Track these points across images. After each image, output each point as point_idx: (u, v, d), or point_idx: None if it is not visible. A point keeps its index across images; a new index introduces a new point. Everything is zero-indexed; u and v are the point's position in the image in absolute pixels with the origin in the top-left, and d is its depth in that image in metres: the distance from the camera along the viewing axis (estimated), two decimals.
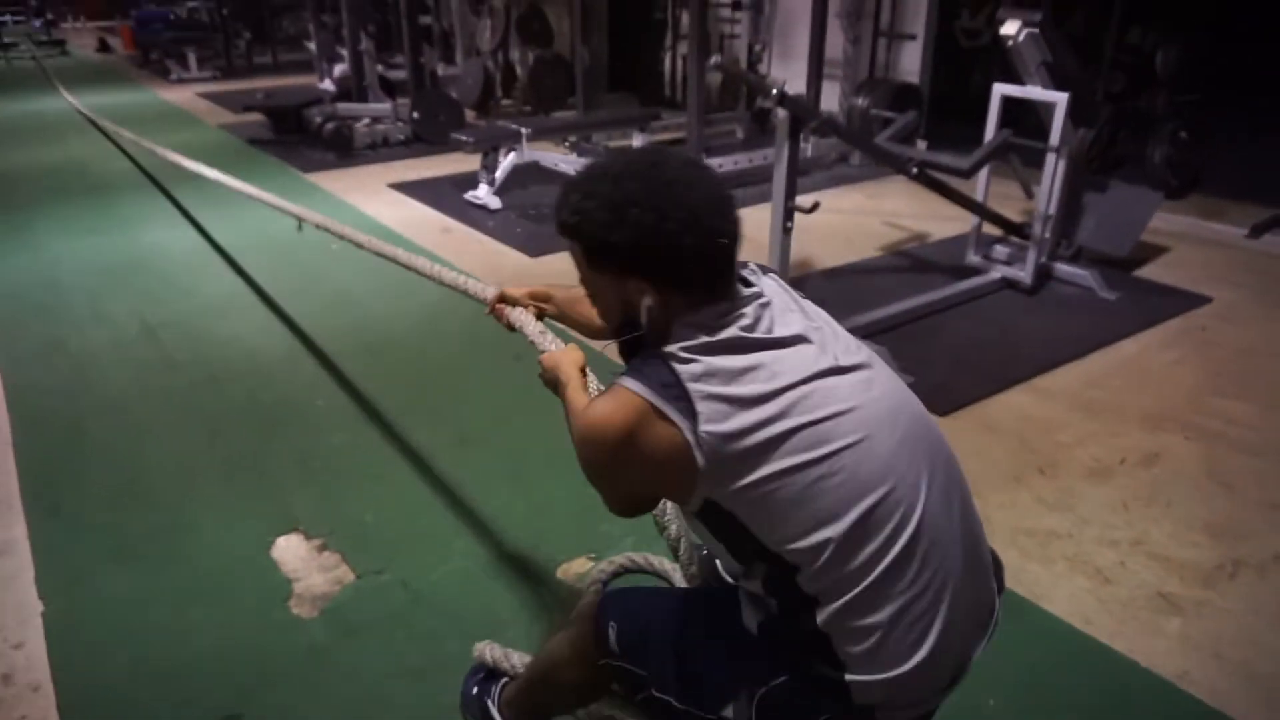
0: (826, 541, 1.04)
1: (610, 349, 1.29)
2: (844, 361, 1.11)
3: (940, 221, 4.60)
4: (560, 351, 1.46)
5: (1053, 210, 3.64)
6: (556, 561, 2.11)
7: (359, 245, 2.50)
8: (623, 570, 1.97)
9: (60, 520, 2.30)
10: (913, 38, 6.04)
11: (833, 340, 1.14)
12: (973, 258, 3.98)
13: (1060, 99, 3.40)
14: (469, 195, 5.09)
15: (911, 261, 4.20)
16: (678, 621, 1.28)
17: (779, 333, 1.10)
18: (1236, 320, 3.47)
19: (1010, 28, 3.45)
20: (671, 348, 1.09)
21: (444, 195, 5.29)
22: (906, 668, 1.07)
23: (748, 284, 1.16)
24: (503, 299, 1.73)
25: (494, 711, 1.58)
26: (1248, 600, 1.98)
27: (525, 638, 1.82)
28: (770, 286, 1.16)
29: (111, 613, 1.97)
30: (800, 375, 1.07)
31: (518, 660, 1.62)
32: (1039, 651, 1.84)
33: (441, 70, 8.14)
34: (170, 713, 1.71)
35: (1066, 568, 2.09)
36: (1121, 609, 1.96)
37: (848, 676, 1.08)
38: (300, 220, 2.64)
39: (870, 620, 1.06)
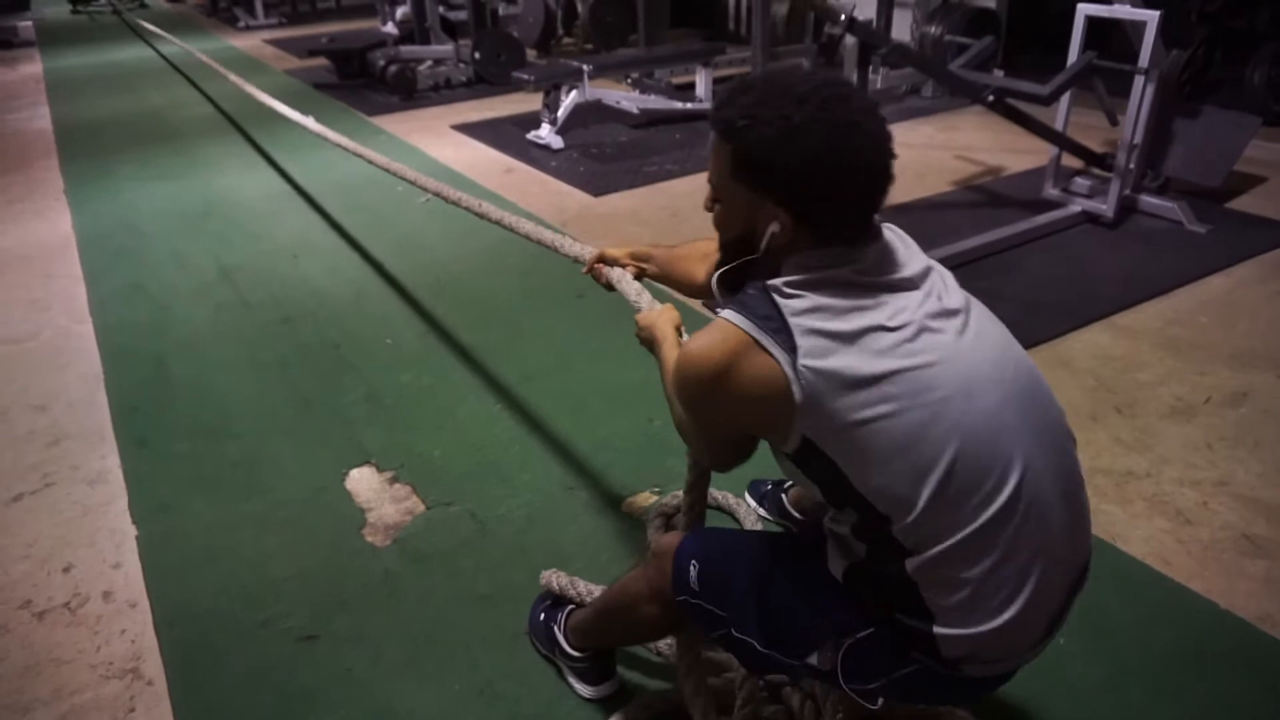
0: (923, 491, 1.00)
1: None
2: (950, 305, 1.07)
3: (1016, 155, 4.41)
4: (657, 311, 1.44)
5: (1139, 139, 3.45)
6: (620, 496, 2.13)
7: (456, 203, 2.44)
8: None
9: (148, 450, 2.41)
10: None
11: (941, 289, 1.09)
12: (1050, 191, 3.81)
13: (1151, 17, 3.19)
14: (531, 135, 5.07)
15: (986, 196, 4.04)
16: (762, 564, 1.25)
17: (889, 276, 1.07)
18: None
19: None
20: (776, 281, 1.06)
21: (506, 136, 5.27)
22: (997, 623, 1.04)
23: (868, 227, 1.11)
24: (602, 259, 1.70)
25: (560, 637, 1.61)
26: None
27: (589, 570, 1.85)
28: (888, 235, 1.12)
29: (198, 537, 2.07)
30: (906, 319, 1.03)
31: (584, 588, 1.65)
32: (1113, 592, 1.79)
33: (502, 10, 8.04)
34: (254, 631, 1.80)
35: (1145, 508, 2.02)
36: (1203, 550, 1.89)
37: (935, 629, 1.06)
38: (426, 191, 2.58)
39: (964, 573, 1.03)
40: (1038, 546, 1.05)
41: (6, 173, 5.07)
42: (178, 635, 1.80)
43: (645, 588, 1.36)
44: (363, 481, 2.24)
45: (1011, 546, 1.03)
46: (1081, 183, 3.77)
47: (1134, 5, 3.29)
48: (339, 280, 3.44)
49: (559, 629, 1.62)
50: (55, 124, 6.16)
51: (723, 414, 1.11)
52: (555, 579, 1.74)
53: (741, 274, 1.14)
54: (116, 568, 1.99)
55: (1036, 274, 3.20)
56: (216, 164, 5.03)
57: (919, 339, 1.02)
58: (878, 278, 1.06)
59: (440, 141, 5.29)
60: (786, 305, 1.03)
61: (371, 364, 2.81)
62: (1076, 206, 3.64)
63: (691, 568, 1.27)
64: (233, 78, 5.45)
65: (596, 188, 4.34)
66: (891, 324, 1.02)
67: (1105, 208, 3.56)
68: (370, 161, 3.15)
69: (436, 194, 2.62)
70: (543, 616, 1.69)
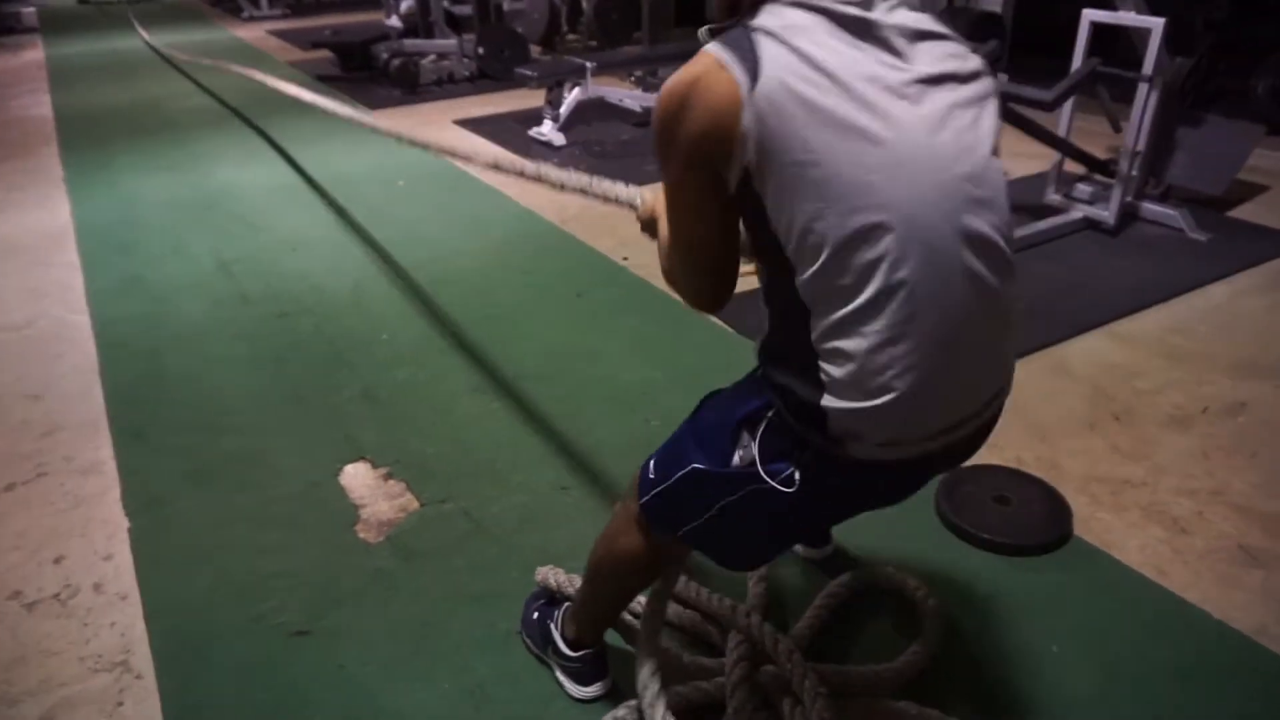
0: (825, 238, 1.02)
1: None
2: (930, 71, 1.05)
3: (1018, 159, 4.39)
4: (652, 194, 1.43)
5: (1142, 145, 3.44)
6: (615, 497, 2.12)
7: (496, 167, 2.35)
8: None
9: (143, 442, 2.40)
10: None
11: (935, 58, 1.07)
12: (1052, 196, 3.81)
13: (1156, 24, 3.18)
14: (533, 132, 5.06)
15: None
16: (696, 408, 1.35)
17: (869, 30, 1.05)
18: None
19: None
20: (757, 20, 1.06)
21: (509, 132, 5.26)
22: (880, 401, 1.06)
23: None
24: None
25: (555, 634, 1.61)
26: None
27: (581, 571, 1.83)
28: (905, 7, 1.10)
29: (191, 531, 2.06)
30: (866, 76, 1.02)
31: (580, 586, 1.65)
32: (1107, 601, 1.79)
33: (507, 5, 8.03)
34: (245, 626, 1.79)
35: (1140, 517, 2.02)
36: (1198, 560, 1.89)
37: (823, 400, 1.09)
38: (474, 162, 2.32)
39: (852, 344, 1.05)
40: (929, 341, 1.05)
41: (6, 159, 5.06)
42: (168, 629, 1.79)
43: (622, 517, 1.42)
44: (357, 478, 2.23)
45: (902, 327, 1.04)
46: (1083, 189, 3.77)
47: (1139, 12, 3.28)
48: (337, 275, 3.43)
49: (555, 626, 1.62)
50: (56, 112, 6.15)
51: (685, 150, 1.08)
52: (553, 576, 1.73)
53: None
54: (108, 560, 1.98)
55: (1037, 280, 3.19)
56: (217, 156, 5.02)
57: (876, 95, 1.02)
58: (860, 25, 1.05)
59: (442, 136, 5.26)
60: (760, 34, 1.04)
61: (368, 360, 2.80)
62: (1078, 212, 3.64)
63: (650, 465, 1.35)
64: (236, 69, 5.44)
65: None
66: (854, 73, 1.02)
67: (1107, 214, 3.55)
68: (412, 142, 3.03)
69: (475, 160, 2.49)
70: (536, 615, 1.68)
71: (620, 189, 1.66)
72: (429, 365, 2.76)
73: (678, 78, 1.08)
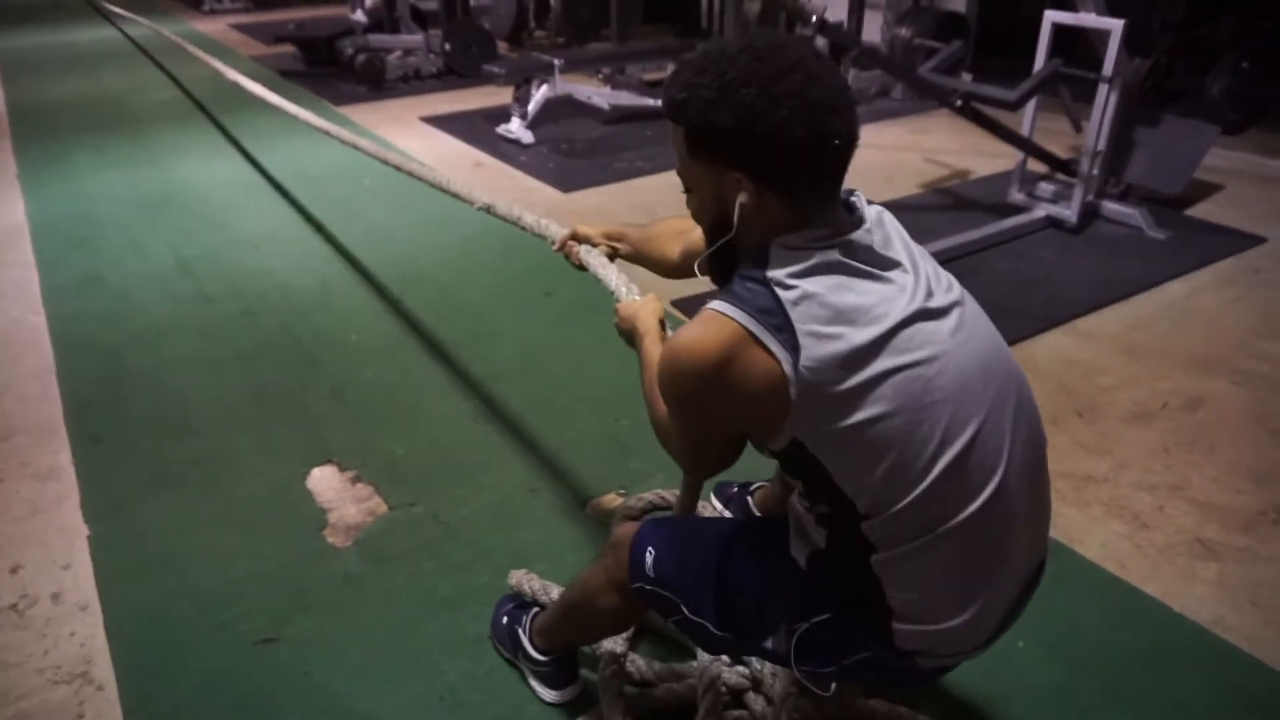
0: (909, 494, 1.00)
1: (690, 285, 1.25)
2: (941, 302, 1.04)
3: (983, 158, 4.45)
4: (639, 302, 1.41)
5: (1102, 145, 3.50)
6: (585, 497, 2.12)
7: (431, 183, 2.38)
8: (652, 507, 1.98)
9: (102, 447, 2.35)
10: None
11: (932, 278, 1.07)
12: (1016, 195, 3.86)
13: (1115, 26, 3.24)
14: (501, 129, 5.02)
15: (953, 199, 4.08)
16: (719, 546, 1.24)
17: (881, 264, 1.03)
18: None
19: None
20: (777, 274, 1.01)
21: (476, 129, 5.22)
22: (954, 622, 1.06)
23: (851, 210, 1.09)
24: (575, 237, 1.68)
25: (524, 639, 1.60)
26: None
27: (554, 572, 1.83)
28: (873, 215, 1.09)
29: (153, 538, 2.02)
30: (902, 315, 1.00)
31: (555, 593, 1.64)
32: (1071, 595, 1.82)
33: (474, 1, 7.97)
34: (210, 634, 1.76)
35: (1102, 512, 2.05)
36: (1157, 554, 1.93)
37: (894, 624, 1.08)
38: (487, 207, 2.29)
39: (926, 572, 1.04)
40: (1002, 550, 1.06)
41: None
42: (130, 639, 1.75)
43: (603, 578, 1.36)
44: (324, 481, 2.21)
45: (977, 550, 1.04)
46: (1046, 188, 3.82)
47: (1099, 13, 3.33)
48: (303, 273, 3.39)
49: (524, 631, 1.61)
50: (9, 106, 5.99)
51: (713, 412, 1.06)
52: (529, 582, 1.73)
53: (730, 262, 1.10)
54: (67, 568, 1.94)
55: (1001, 278, 3.24)
56: (178, 151, 4.92)
57: (915, 337, 1.00)
58: (869, 265, 1.02)
59: (408, 133, 5.23)
60: (785, 296, 0.99)
61: (335, 360, 2.77)
62: (1041, 211, 3.69)
63: (648, 554, 1.27)
64: (212, 62, 5.33)
65: (566, 183, 4.32)
66: (889, 323, 0.99)
67: (1069, 213, 3.61)
68: (355, 146, 3.06)
69: (418, 178, 2.53)
70: (506, 620, 1.67)
71: (611, 276, 1.57)
72: (398, 365, 2.74)
73: (699, 346, 1.00)
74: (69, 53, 7.83)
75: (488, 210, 2.00)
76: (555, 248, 1.71)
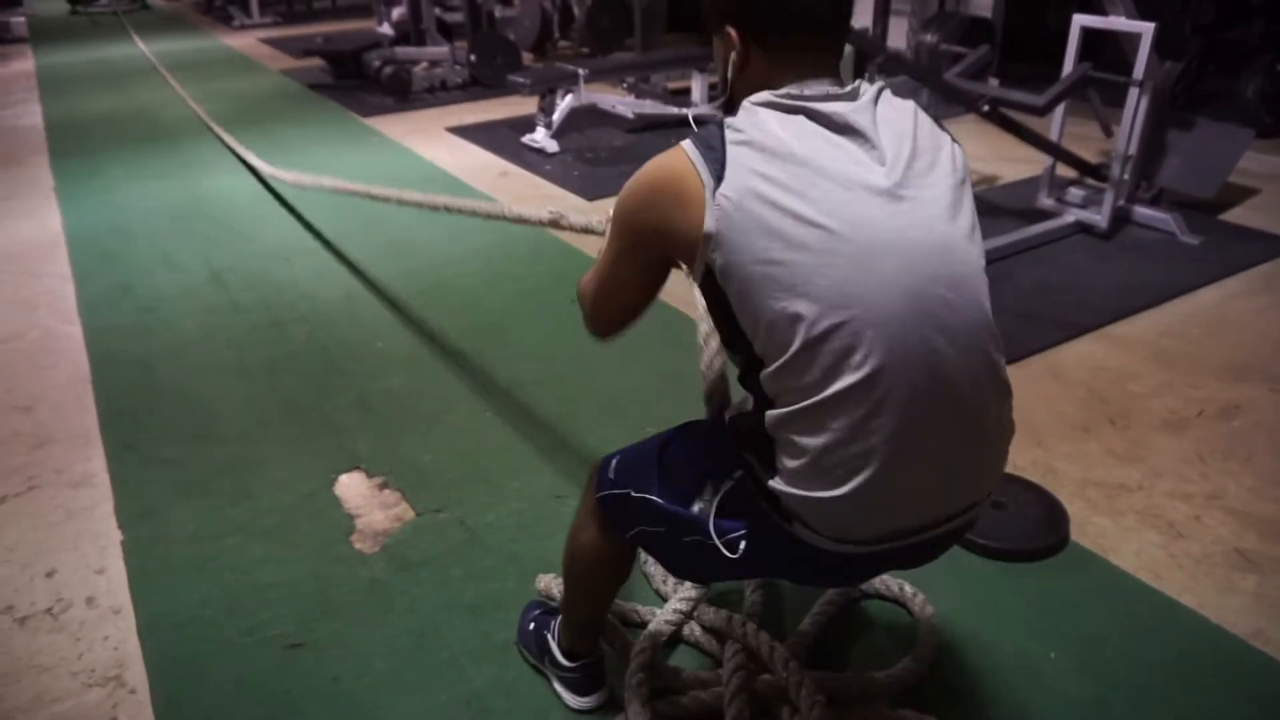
0: (790, 336, 1.03)
1: None
2: (893, 185, 1.05)
3: (1010, 164, 4.41)
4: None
5: (1133, 149, 3.46)
6: None
7: (492, 215, 2.38)
8: None
9: (134, 454, 2.39)
10: None
11: (906, 165, 1.07)
12: (1045, 201, 3.82)
13: (1146, 29, 3.20)
14: (526, 139, 5.06)
15: (981, 204, 3.97)
16: (667, 432, 1.36)
17: (851, 119, 1.07)
18: None
19: None
20: (731, 118, 1.10)
21: (501, 139, 5.26)
22: (827, 494, 1.07)
23: (844, 88, 1.12)
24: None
25: (552, 644, 1.60)
26: None
27: None
28: (867, 98, 1.10)
29: (183, 543, 2.05)
30: (840, 176, 1.04)
31: None
32: (1104, 606, 1.79)
33: (499, 12, 8.04)
34: (239, 639, 1.77)
35: (1136, 521, 2.02)
36: (1194, 564, 1.89)
37: (773, 482, 1.12)
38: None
39: (806, 440, 1.06)
40: (886, 448, 1.04)
41: None
42: (161, 642, 1.77)
43: (581, 514, 1.43)
44: (351, 487, 2.22)
45: (858, 430, 1.04)
46: (1076, 193, 3.78)
47: (1129, 17, 3.30)
48: (329, 283, 3.42)
49: (551, 637, 1.61)
50: (46, 121, 6.12)
51: (640, 229, 1.15)
52: (555, 585, 1.73)
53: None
54: (100, 573, 1.97)
55: (1030, 284, 3.20)
56: (207, 164, 5.00)
57: (839, 190, 1.03)
58: (831, 110, 1.07)
59: (434, 144, 5.28)
60: (731, 136, 1.07)
61: (361, 368, 2.79)
62: (1070, 217, 3.65)
63: (612, 461, 1.37)
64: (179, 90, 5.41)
65: (590, 192, 4.33)
66: (820, 176, 1.03)
67: (1099, 218, 3.57)
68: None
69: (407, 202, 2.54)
70: (533, 625, 1.67)
71: (589, 219, 1.74)
72: (423, 373, 2.75)
73: (651, 166, 1.13)
74: (103, 70, 7.99)
75: (556, 224, 1.94)
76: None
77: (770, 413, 1.09)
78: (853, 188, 1.04)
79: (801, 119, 1.07)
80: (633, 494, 1.30)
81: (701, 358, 1.53)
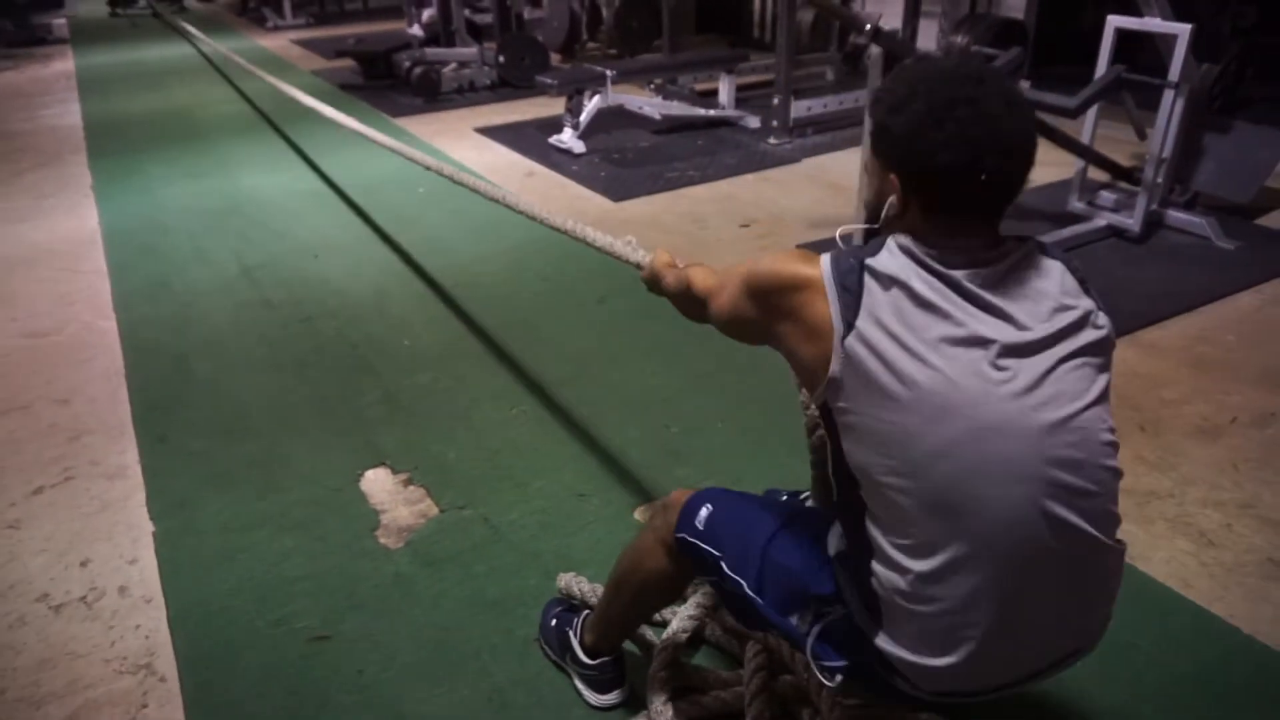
0: (898, 498, 1.03)
1: None
2: (1034, 334, 1.02)
3: (1042, 167, 4.31)
4: (650, 257, 1.54)
5: (1168, 153, 3.40)
6: (634, 503, 2.13)
7: (522, 211, 2.36)
8: None
9: (167, 447, 2.43)
10: None
11: (1042, 333, 1.03)
12: (1076, 204, 3.77)
13: (1182, 31, 3.15)
14: (553, 139, 5.08)
15: (1011, 208, 3.99)
16: (773, 520, 1.30)
17: (986, 294, 1.02)
18: None
19: None
20: (872, 259, 1.06)
21: (529, 139, 5.29)
22: (931, 662, 1.07)
23: (997, 247, 1.07)
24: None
25: (574, 641, 1.61)
26: None
27: (601, 576, 1.82)
28: (1012, 262, 1.06)
29: (214, 535, 2.08)
30: (975, 334, 1.01)
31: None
32: (1133, 613, 1.75)
33: (528, 13, 8.07)
34: (267, 630, 1.80)
35: (1167, 529, 1.99)
36: (1225, 573, 1.86)
37: (878, 640, 1.11)
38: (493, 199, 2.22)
39: (912, 607, 1.06)
40: (1001, 608, 1.03)
41: (38, 168, 5.14)
42: (191, 632, 1.81)
43: (651, 537, 1.42)
44: (377, 483, 2.25)
45: (967, 601, 1.03)
46: (1107, 196, 3.73)
47: (1165, 18, 3.25)
48: (360, 280, 3.46)
49: (574, 634, 1.62)
50: (85, 120, 6.24)
51: (767, 307, 1.14)
52: (577, 584, 1.74)
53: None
54: (133, 563, 2.01)
55: None
56: (241, 162, 5.08)
57: (969, 354, 1.00)
58: (970, 284, 1.03)
59: (463, 144, 5.32)
60: (870, 282, 1.05)
61: (389, 365, 2.82)
62: (1102, 220, 3.60)
63: (703, 509, 1.33)
64: (266, 77, 5.50)
65: (617, 193, 4.34)
66: (955, 334, 1.01)
67: (1131, 222, 3.52)
68: (413, 159, 3.12)
69: (500, 200, 2.47)
70: (555, 622, 1.68)
71: (628, 249, 1.69)
72: (450, 370, 2.78)
73: (788, 261, 1.11)
74: (140, 69, 8.14)
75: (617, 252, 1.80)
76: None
77: (877, 574, 1.08)
78: (968, 353, 1.01)
79: (941, 284, 1.03)
80: (725, 568, 1.28)
81: (806, 422, 1.54)
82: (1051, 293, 1.06)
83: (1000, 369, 1.01)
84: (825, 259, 1.09)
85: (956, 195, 1.06)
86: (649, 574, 1.43)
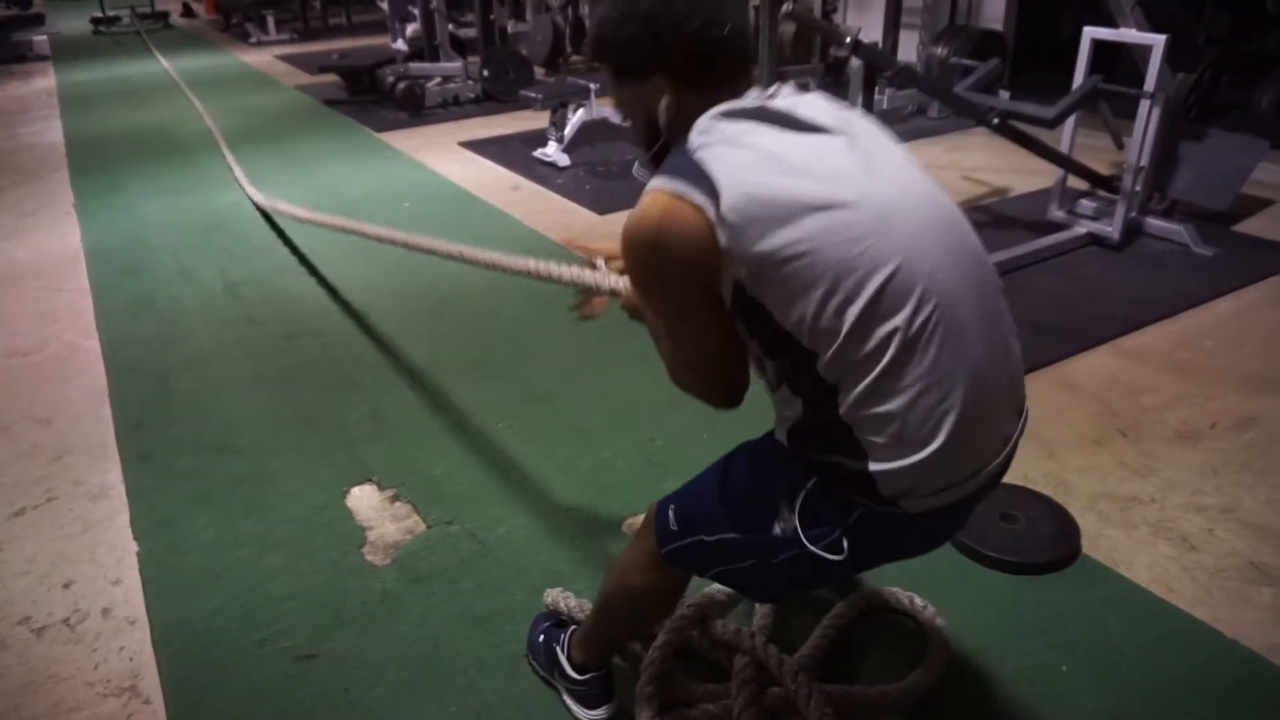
0: (841, 316, 1.05)
1: None
2: (876, 158, 1.12)
3: (1022, 176, 4.41)
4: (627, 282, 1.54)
5: (1145, 161, 3.45)
6: (620, 518, 2.13)
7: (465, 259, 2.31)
8: None
9: (151, 466, 2.41)
10: None
11: (864, 135, 1.15)
12: (1056, 213, 3.81)
13: (1157, 41, 3.20)
14: (538, 153, 5.09)
15: (991, 217, 4.04)
16: (720, 464, 1.34)
17: (795, 122, 1.12)
18: None
19: None
20: (690, 142, 1.12)
21: (513, 153, 5.30)
22: (927, 452, 1.08)
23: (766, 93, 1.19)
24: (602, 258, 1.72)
25: (561, 657, 1.60)
26: None
27: (589, 591, 1.83)
28: (788, 92, 1.18)
29: (199, 555, 2.07)
30: (818, 158, 1.09)
31: (590, 609, 1.65)
32: (1116, 619, 1.78)
33: (511, 27, 8.11)
34: (253, 649, 1.79)
35: (1149, 534, 2.01)
36: (1208, 578, 1.87)
37: (871, 466, 1.10)
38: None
39: (888, 407, 1.07)
40: (958, 376, 1.08)
41: (18, 185, 5.11)
42: (176, 653, 1.79)
43: (636, 555, 1.41)
44: (363, 500, 2.24)
45: (930, 375, 1.06)
46: (1087, 205, 3.77)
47: (1140, 29, 3.30)
48: (343, 296, 3.45)
49: (561, 650, 1.61)
50: (67, 137, 6.21)
51: (674, 283, 1.13)
52: (564, 600, 1.74)
53: (664, 154, 1.20)
54: (117, 584, 1.99)
55: (1042, 296, 3.19)
56: (225, 179, 5.06)
57: (839, 178, 1.07)
58: (784, 119, 1.12)
59: (447, 158, 5.32)
60: (702, 155, 1.09)
61: (375, 381, 2.81)
62: (1082, 228, 3.64)
63: (669, 511, 1.34)
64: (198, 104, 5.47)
65: (602, 205, 4.36)
66: (802, 153, 1.09)
67: (1111, 230, 3.56)
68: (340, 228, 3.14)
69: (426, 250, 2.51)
70: (543, 638, 1.68)
71: (600, 277, 1.61)
72: (435, 386, 2.77)
73: (639, 221, 1.11)
74: (122, 87, 8.10)
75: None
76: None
77: (843, 398, 1.09)
78: (834, 162, 1.09)
79: (752, 123, 1.11)
80: (705, 539, 1.28)
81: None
82: (821, 102, 1.18)
83: (858, 167, 1.10)
84: (653, 181, 1.11)
85: (713, 52, 1.15)
86: (638, 591, 1.42)
